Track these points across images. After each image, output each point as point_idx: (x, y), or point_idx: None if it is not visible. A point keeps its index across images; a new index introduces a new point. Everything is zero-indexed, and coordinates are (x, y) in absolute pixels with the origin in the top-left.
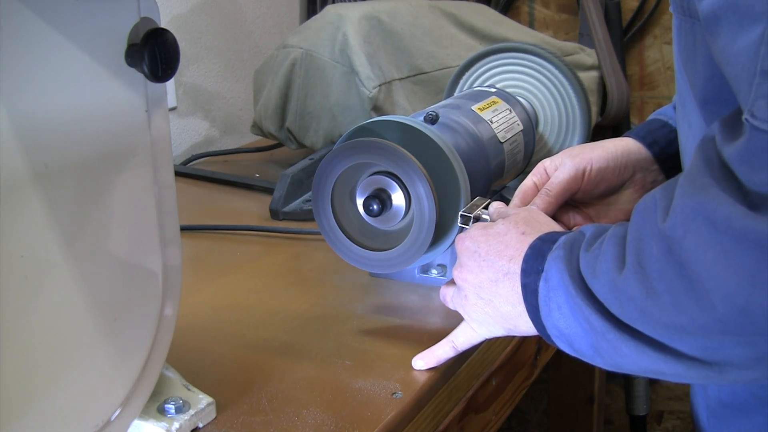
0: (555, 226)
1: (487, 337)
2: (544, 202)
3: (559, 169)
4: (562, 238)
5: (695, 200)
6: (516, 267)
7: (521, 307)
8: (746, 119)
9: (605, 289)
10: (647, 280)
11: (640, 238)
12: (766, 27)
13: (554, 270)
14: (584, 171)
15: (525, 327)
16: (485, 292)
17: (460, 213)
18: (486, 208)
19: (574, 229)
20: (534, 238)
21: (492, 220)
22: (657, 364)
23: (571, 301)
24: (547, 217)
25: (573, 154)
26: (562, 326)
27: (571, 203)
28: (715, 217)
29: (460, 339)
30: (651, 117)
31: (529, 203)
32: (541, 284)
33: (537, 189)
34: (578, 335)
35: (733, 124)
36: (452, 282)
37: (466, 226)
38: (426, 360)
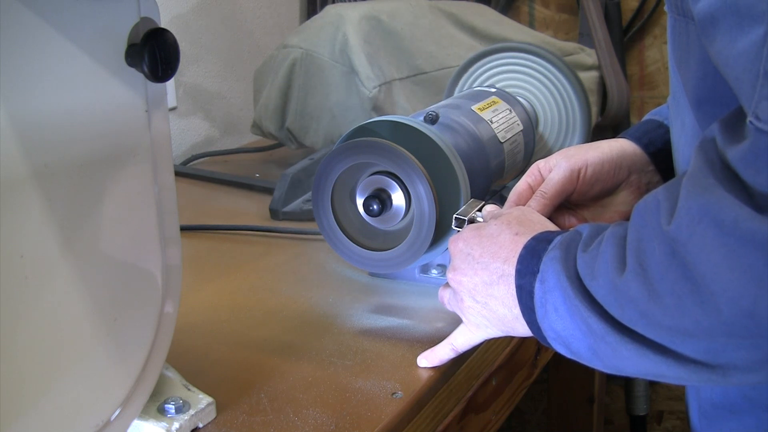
0: (549, 225)
1: (486, 338)
2: (539, 204)
3: (553, 170)
4: (558, 238)
5: (700, 202)
6: (510, 268)
7: (517, 310)
8: (750, 122)
9: (605, 291)
10: (649, 283)
11: (641, 239)
12: (767, 28)
13: (551, 271)
14: (579, 172)
15: (522, 329)
16: (480, 295)
17: (455, 216)
18: (480, 210)
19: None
20: (528, 238)
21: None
22: (658, 367)
23: (569, 302)
24: (540, 215)
25: (568, 155)
26: (559, 328)
27: (566, 205)
28: (721, 218)
29: (459, 340)
30: (646, 117)
31: (524, 206)
32: (537, 285)
33: (532, 191)
34: (576, 337)
35: (735, 125)
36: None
37: (461, 229)
38: (429, 359)
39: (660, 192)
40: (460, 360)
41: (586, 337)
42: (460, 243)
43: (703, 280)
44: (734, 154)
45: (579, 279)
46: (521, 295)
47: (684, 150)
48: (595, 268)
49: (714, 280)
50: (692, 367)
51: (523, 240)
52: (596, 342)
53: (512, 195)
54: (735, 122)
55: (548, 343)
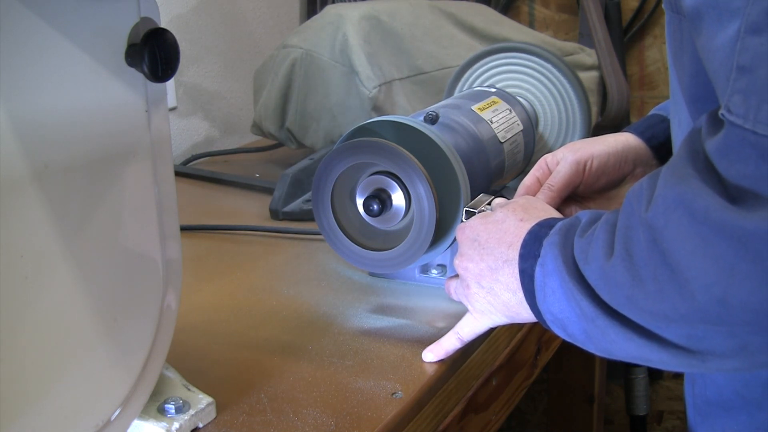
0: (553, 212)
1: (491, 326)
2: (547, 197)
3: (560, 163)
4: (559, 224)
5: (676, 191)
6: (515, 254)
7: (521, 294)
8: (722, 114)
9: (595, 275)
10: (634, 268)
11: (628, 226)
12: (742, 23)
13: (550, 255)
14: (585, 165)
15: (526, 314)
16: (486, 281)
17: (465, 209)
18: (490, 204)
19: None
20: (532, 224)
21: None
22: (643, 350)
23: (565, 286)
24: (545, 204)
25: (574, 148)
26: (556, 311)
27: (573, 197)
28: (694, 207)
29: (465, 330)
30: (651, 112)
31: None
32: (538, 269)
33: (540, 184)
34: (571, 320)
35: (716, 118)
36: (457, 275)
37: None
38: (435, 352)
39: (645, 180)
40: (461, 359)
41: (580, 319)
42: (467, 230)
43: (678, 266)
44: (711, 145)
45: (575, 263)
46: (524, 279)
47: None
48: (588, 253)
49: (688, 267)
50: (674, 351)
51: (527, 226)
52: (588, 325)
53: (521, 188)
54: (717, 115)
55: (547, 326)
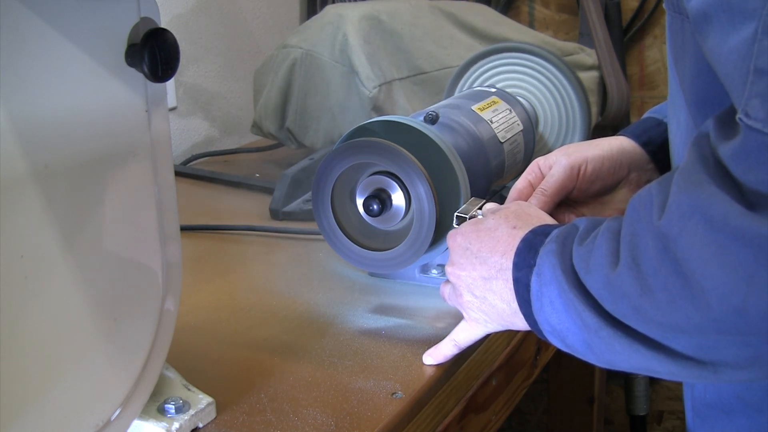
0: (546, 219)
1: (486, 333)
2: (540, 202)
3: (553, 167)
4: (555, 232)
5: (691, 197)
6: (508, 262)
7: (515, 305)
8: (740, 119)
9: (599, 285)
10: (642, 277)
11: (635, 234)
12: (758, 24)
13: (547, 264)
14: (579, 169)
15: (521, 324)
16: (479, 290)
17: (456, 214)
18: (481, 208)
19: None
20: (526, 232)
21: None
22: (650, 362)
23: (564, 296)
24: (538, 210)
25: (568, 152)
26: (555, 322)
27: (566, 202)
28: (711, 214)
29: (461, 336)
30: (646, 115)
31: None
32: (533, 279)
33: (532, 188)
34: (571, 331)
35: (728, 121)
36: None
37: None
38: (434, 356)
39: (653, 186)
40: (461, 360)
41: (581, 330)
42: (458, 237)
43: (693, 276)
44: (725, 150)
45: (574, 273)
46: (518, 288)
47: (679, 147)
48: (590, 262)
49: (704, 277)
50: (683, 363)
51: (520, 233)
52: (590, 336)
53: (512, 192)
54: (729, 119)
55: (544, 336)
